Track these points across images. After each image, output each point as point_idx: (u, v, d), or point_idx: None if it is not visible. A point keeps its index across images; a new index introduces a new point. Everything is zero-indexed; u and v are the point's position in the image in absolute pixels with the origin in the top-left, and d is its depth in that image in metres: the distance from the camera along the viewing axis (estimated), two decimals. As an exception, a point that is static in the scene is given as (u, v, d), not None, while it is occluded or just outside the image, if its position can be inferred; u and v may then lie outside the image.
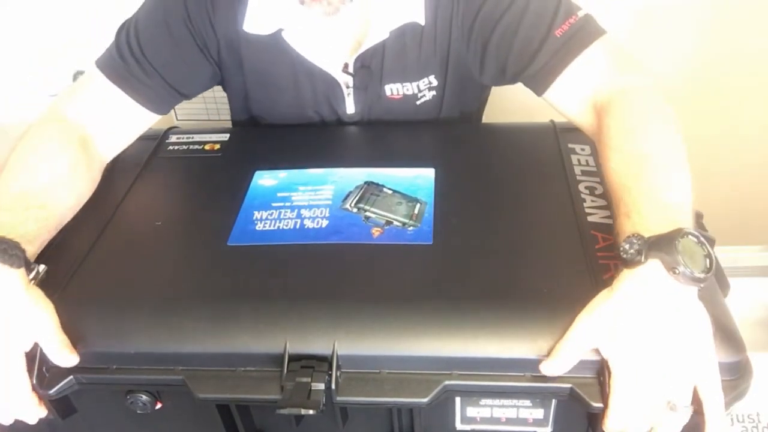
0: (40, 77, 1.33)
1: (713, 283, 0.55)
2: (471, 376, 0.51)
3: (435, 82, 0.81)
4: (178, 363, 0.54)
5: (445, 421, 0.56)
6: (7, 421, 0.55)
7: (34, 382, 0.54)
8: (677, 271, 0.48)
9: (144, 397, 0.57)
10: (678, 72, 1.20)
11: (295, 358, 0.52)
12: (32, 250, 0.59)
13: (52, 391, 0.55)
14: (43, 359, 0.55)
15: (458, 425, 0.56)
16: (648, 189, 0.55)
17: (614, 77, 0.69)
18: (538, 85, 0.73)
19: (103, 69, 0.76)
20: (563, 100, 0.72)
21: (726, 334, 0.50)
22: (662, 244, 0.49)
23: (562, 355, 0.50)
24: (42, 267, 0.58)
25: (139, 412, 0.58)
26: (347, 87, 0.81)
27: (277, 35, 0.77)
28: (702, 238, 0.50)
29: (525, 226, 0.61)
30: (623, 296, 0.49)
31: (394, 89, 0.81)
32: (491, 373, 0.51)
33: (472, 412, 0.55)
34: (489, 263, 0.57)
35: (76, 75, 1.34)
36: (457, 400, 0.54)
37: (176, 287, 0.58)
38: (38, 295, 0.56)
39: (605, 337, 0.49)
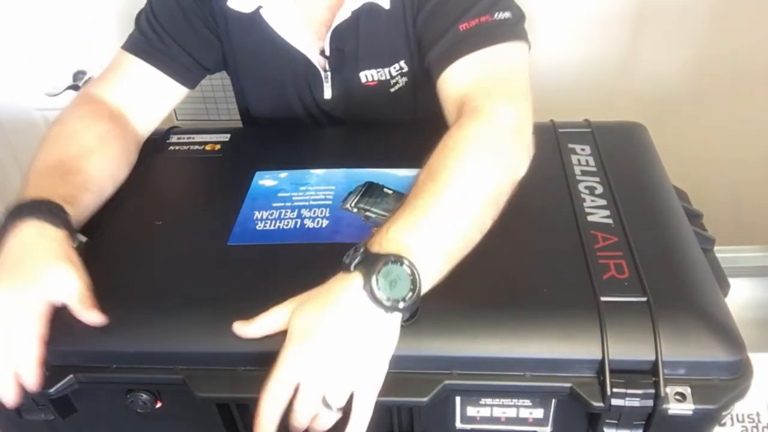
0: (40, 77, 1.33)
1: (713, 282, 0.55)
2: (471, 375, 0.51)
3: (405, 68, 0.82)
4: (178, 362, 0.54)
5: (445, 420, 0.56)
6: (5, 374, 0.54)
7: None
8: (368, 289, 0.50)
9: (144, 396, 0.57)
10: (678, 72, 1.21)
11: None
12: (74, 212, 0.62)
13: (52, 390, 0.55)
14: (44, 359, 0.55)
15: (458, 424, 0.56)
16: (418, 212, 0.54)
17: (484, 92, 0.65)
18: (432, 73, 0.72)
19: (128, 48, 0.79)
20: (442, 93, 0.70)
21: (726, 333, 0.50)
22: (370, 262, 0.51)
23: (259, 323, 0.52)
24: (83, 238, 0.61)
25: (139, 411, 0.58)
26: (325, 71, 0.81)
27: (258, 14, 0.78)
28: (417, 275, 0.51)
29: (525, 226, 0.61)
30: (321, 293, 0.52)
31: (369, 75, 0.82)
32: (491, 373, 0.51)
33: (472, 411, 0.55)
34: (489, 263, 0.57)
35: (77, 75, 1.35)
36: (457, 399, 0.54)
37: (177, 286, 0.58)
38: (76, 258, 0.58)
39: (292, 320, 0.51)
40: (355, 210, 0.64)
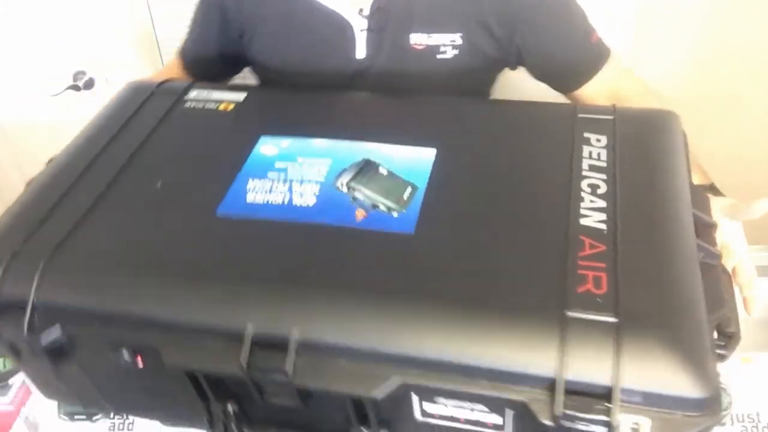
0: (40, 77, 1.33)
1: (699, 307, 0.51)
2: (427, 375, 0.51)
3: (459, 41, 0.80)
4: (154, 327, 0.56)
5: (404, 413, 0.56)
6: None
7: (26, 329, 0.58)
8: None
9: (127, 354, 0.60)
10: (677, 71, 1.20)
11: (256, 340, 0.53)
12: None
13: (41, 337, 0.58)
14: (35, 307, 0.58)
15: (418, 417, 0.56)
16: None
17: (630, 80, 0.87)
18: (564, 85, 0.86)
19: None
20: (591, 90, 0.86)
21: (696, 366, 0.46)
22: None
23: None
24: None
25: (124, 368, 0.61)
26: (361, 31, 0.80)
27: None
28: None
29: (510, 224, 0.58)
30: None
31: (419, 39, 0.81)
32: (447, 376, 0.51)
33: (429, 407, 0.55)
34: (463, 261, 0.55)
35: (77, 75, 1.35)
36: (414, 396, 0.54)
37: (159, 252, 0.60)
38: None
39: None
40: (345, 189, 0.63)
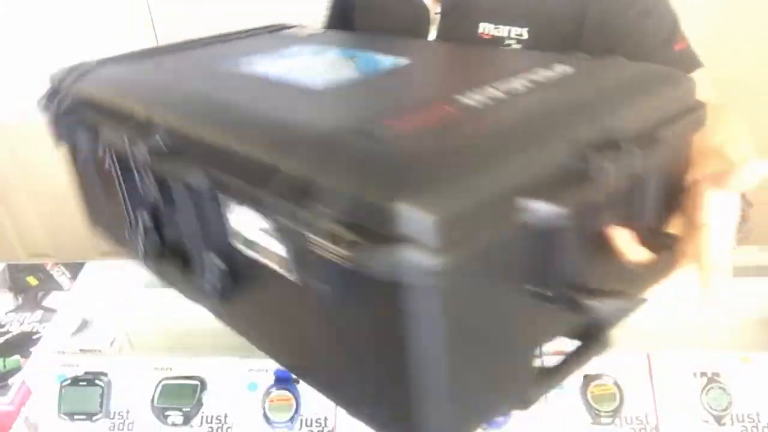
0: (40, 77, 1.22)
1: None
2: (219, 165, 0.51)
3: (525, 36, 0.78)
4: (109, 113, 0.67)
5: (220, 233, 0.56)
6: None
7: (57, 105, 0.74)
8: None
9: (101, 150, 0.72)
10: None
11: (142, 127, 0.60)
12: None
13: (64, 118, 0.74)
14: (67, 95, 0.74)
15: (230, 239, 0.55)
16: None
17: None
18: None
19: None
20: None
21: (422, 181, 0.39)
22: None
23: None
24: None
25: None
26: (434, 14, 0.83)
27: None
28: None
29: (402, 98, 0.56)
30: None
31: (487, 28, 0.81)
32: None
33: (236, 220, 0.54)
34: (324, 100, 0.55)
35: None
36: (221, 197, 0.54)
37: (158, 76, 0.73)
38: None
39: None
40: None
